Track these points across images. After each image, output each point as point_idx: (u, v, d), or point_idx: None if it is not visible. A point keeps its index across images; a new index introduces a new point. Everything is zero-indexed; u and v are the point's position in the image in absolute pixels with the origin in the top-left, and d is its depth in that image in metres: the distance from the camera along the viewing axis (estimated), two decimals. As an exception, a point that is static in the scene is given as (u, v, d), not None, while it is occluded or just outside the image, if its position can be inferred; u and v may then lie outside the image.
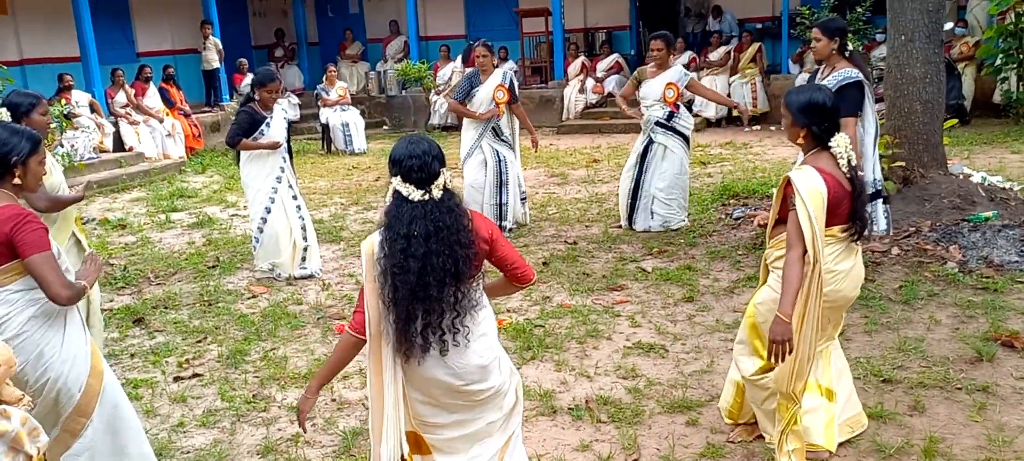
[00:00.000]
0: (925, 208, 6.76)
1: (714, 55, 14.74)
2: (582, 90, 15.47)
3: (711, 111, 14.26)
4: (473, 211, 3.02)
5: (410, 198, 2.86)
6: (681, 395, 4.39)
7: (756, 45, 14.38)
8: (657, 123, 7.52)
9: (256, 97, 6.62)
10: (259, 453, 4.07)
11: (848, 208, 3.54)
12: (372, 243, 2.95)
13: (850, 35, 11.72)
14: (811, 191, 3.39)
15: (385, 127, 16.51)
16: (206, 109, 15.24)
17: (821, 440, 3.74)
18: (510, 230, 7.81)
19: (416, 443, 3.09)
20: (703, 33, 15.91)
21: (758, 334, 3.74)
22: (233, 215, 9.42)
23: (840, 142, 3.50)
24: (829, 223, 3.49)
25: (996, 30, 11.54)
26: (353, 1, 18.68)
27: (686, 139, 7.62)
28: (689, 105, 14.50)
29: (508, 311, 5.78)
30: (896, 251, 6.32)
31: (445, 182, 2.92)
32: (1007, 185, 7.74)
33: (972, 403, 4.11)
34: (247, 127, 6.57)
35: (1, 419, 2.05)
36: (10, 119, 4.26)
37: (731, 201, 8.49)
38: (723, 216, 8.00)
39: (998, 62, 11.68)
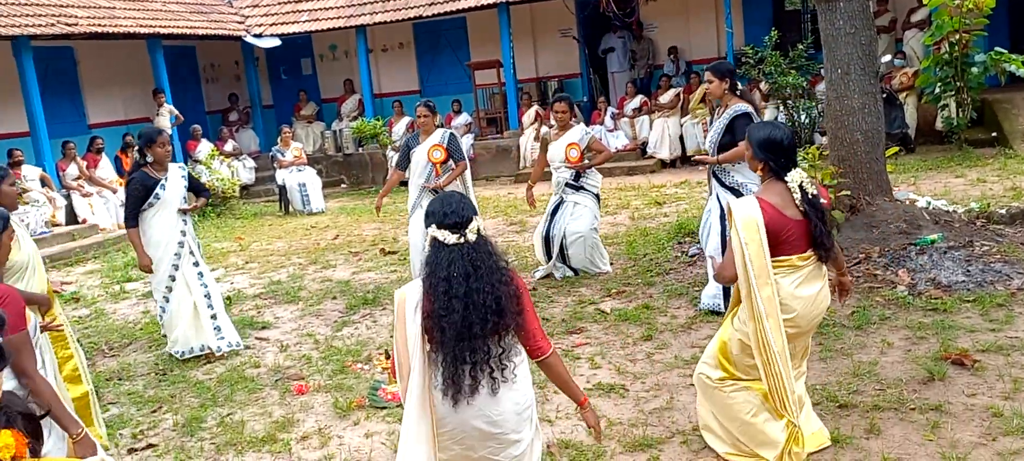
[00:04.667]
0: (873, 234, 6.90)
1: (664, 97, 15.01)
2: (537, 138, 15.62)
3: (665, 152, 14.49)
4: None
5: (446, 242, 3.07)
6: (642, 434, 4.39)
7: (704, 86, 14.65)
8: (567, 184, 7.65)
9: (149, 159, 6.13)
10: (216, 521, 3.99)
11: (802, 237, 3.67)
12: (405, 293, 3.11)
13: (793, 71, 12.14)
14: (746, 220, 3.59)
15: (343, 185, 16.50)
16: (160, 177, 15.11)
17: (774, 456, 3.86)
18: None
19: None
20: (649, 76, 16.24)
21: (728, 358, 3.88)
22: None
23: (794, 176, 3.69)
24: (782, 252, 3.65)
25: (933, 60, 11.91)
26: (306, 63, 18.76)
27: (597, 197, 7.74)
28: (642, 147, 14.82)
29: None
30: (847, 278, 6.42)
31: (479, 228, 3.14)
32: (951, 208, 7.94)
33: (926, 422, 4.18)
34: (140, 197, 6.08)
35: None
36: None
37: (686, 239, 8.57)
38: (679, 254, 8.08)
39: (937, 91, 12.03)
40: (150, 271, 6.27)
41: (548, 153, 7.74)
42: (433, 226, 3.11)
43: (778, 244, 3.64)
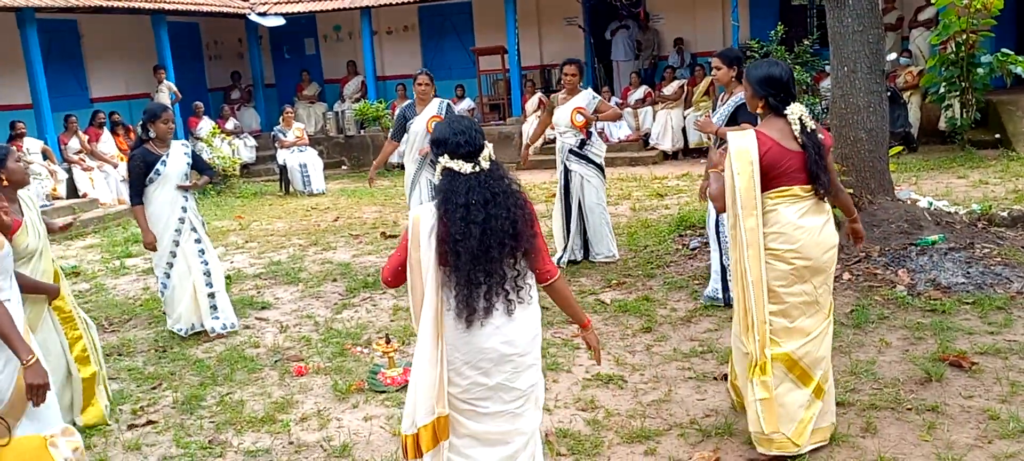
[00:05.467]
0: (874, 233, 6.91)
1: (668, 89, 15.00)
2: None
3: (668, 143, 14.49)
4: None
5: (462, 172, 3.02)
6: (640, 425, 4.41)
7: (709, 79, 14.65)
8: (570, 150, 7.58)
9: (152, 135, 6.15)
10: (215, 500, 4.01)
11: (802, 169, 3.79)
12: (419, 215, 3.07)
13: (798, 67, 12.11)
14: (740, 151, 3.77)
15: (344, 167, 16.48)
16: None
17: (790, 432, 3.85)
18: None
19: (441, 427, 3.13)
20: (654, 68, 16.23)
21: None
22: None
23: (793, 110, 3.81)
24: (783, 182, 3.78)
25: (938, 59, 11.90)
26: (309, 43, 18.72)
27: (600, 168, 7.67)
28: (645, 138, 14.82)
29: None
30: (847, 276, 6.45)
31: (490, 154, 3.10)
32: (953, 209, 7.95)
33: (922, 423, 4.20)
34: (141, 173, 6.11)
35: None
36: None
37: (688, 232, 8.59)
38: (680, 247, 8.09)
39: (941, 90, 12.02)
40: (154, 249, 6.28)
41: (554, 116, 7.68)
42: (445, 156, 3.05)
43: (779, 175, 3.77)
